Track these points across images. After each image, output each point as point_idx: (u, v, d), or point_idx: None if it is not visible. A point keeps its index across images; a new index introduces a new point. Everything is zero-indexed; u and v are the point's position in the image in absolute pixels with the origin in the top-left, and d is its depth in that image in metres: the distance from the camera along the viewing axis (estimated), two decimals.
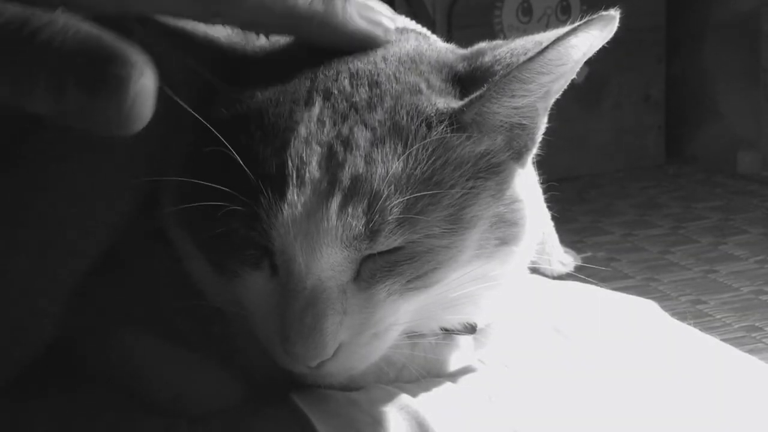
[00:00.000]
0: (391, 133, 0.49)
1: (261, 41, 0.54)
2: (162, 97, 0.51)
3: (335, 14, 0.50)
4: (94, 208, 0.54)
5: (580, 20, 0.50)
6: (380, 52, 0.53)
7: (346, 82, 0.51)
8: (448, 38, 0.60)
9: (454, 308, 0.55)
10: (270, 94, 0.50)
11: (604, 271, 1.98)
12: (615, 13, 0.51)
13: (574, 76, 0.53)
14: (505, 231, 0.53)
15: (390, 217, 0.48)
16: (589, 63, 0.53)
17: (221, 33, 0.53)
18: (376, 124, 0.49)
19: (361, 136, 0.49)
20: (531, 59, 0.50)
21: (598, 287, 0.72)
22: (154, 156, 0.54)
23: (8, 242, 0.53)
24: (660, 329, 0.68)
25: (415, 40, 0.55)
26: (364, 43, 0.53)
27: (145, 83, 0.37)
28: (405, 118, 0.50)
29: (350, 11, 0.50)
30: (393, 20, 0.54)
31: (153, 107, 0.38)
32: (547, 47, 0.50)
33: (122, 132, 0.38)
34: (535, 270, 0.66)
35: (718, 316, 1.99)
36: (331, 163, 0.48)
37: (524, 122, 0.53)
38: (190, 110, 0.49)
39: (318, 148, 0.48)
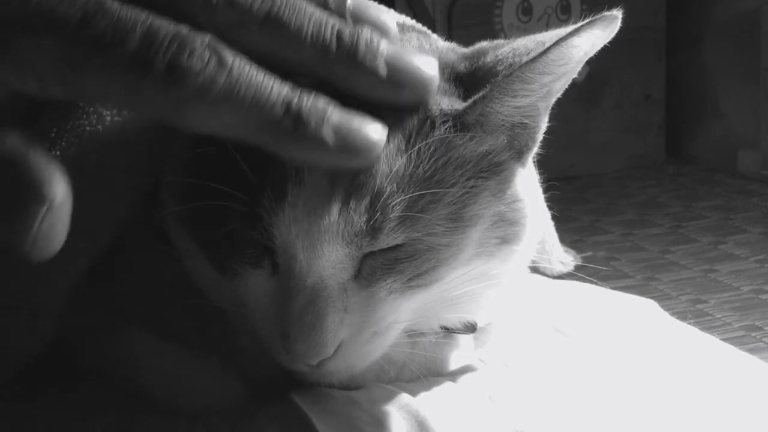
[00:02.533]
0: (395, 130, 0.49)
1: None
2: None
3: (304, 137, 0.42)
4: (94, 208, 0.54)
5: (582, 20, 0.50)
6: None
7: None
8: (448, 37, 0.60)
9: (454, 307, 0.55)
10: None
11: (604, 271, 1.98)
12: (617, 13, 0.51)
13: (575, 75, 0.53)
14: (506, 230, 0.53)
15: (392, 215, 0.48)
16: (589, 62, 0.53)
17: None
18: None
19: None
20: (534, 59, 0.50)
21: (598, 286, 0.72)
22: (154, 155, 0.54)
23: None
24: (660, 328, 0.68)
25: (416, 40, 0.55)
26: (339, 167, 0.45)
27: (50, 221, 0.37)
28: (409, 117, 0.50)
29: (325, 132, 0.42)
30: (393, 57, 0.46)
31: (62, 240, 0.38)
32: (549, 47, 0.50)
33: (29, 259, 0.37)
34: (535, 269, 0.66)
35: (718, 316, 1.99)
36: None
37: (526, 121, 0.53)
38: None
39: None
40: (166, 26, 0.40)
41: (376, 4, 0.50)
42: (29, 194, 0.36)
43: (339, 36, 0.44)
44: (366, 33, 0.44)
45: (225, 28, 0.42)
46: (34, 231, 0.37)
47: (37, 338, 0.55)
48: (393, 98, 0.46)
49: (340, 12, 0.45)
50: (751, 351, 1.45)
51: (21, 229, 0.36)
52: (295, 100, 0.41)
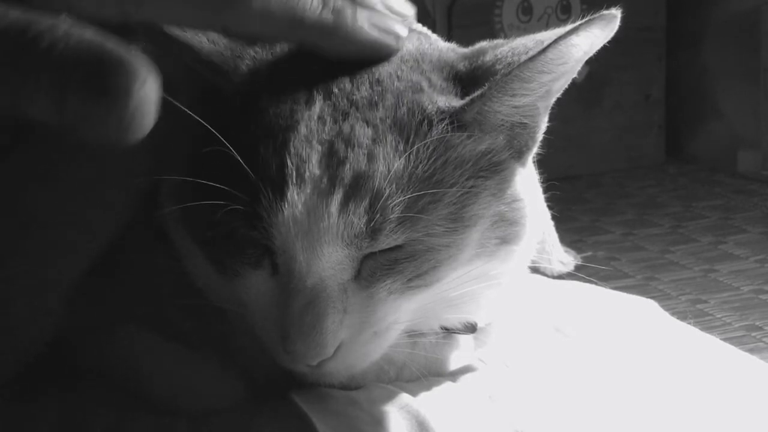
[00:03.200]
0: (393, 130, 0.49)
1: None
2: (162, 96, 0.51)
3: (344, 24, 0.49)
4: (94, 208, 0.54)
5: (581, 19, 0.50)
6: None
7: (347, 80, 0.51)
8: (448, 37, 0.60)
9: (454, 307, 0.55)
10: (270, 93, 0.50)
11: (604, 271, 1.98)
12: (616, 13, 0.51)
13: (575, 75, 0.53)
14: (506, 230, 0.53)
15: (391, 216, 0.48)
16: (589, 62, 0.53)
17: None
18: (378, 121, 0.49)
19: (363, 133, 0.49)
20: (532, 58, 0.50)
21: (598, 286, 0.72)
22: (154, 155, 0.54)
23: (8, 242, 0.53)
24: (660, 328, 0.68)
25: (416, 40, 0.55)
26: (374, 53, 0.51)
27: (146, 93, 0.37)
28: (406, 116, 0.50)
29: (360, 20, 0.49)
30: (409, 21, 0.54)
31: (155, 116, 0.38)
32: (548, 46, 0.50)
33: (121, 142, 0.37)
34: (535, 269, 0.66)
35: (718, 316, 1.99)
36: (332, 161, 0.48)
37: (525, 121, 0.53)
38: (189, 112, 0.49)
39: (318, 147, 0.48)
40: None
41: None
42: (122, 69, 0.36)
43: None
44: None
45: None
46: (133, 102, 0.36)
47: (36, 339, 0.55)
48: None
49: None
50: (751, 351, 1.45)
51: (116, 102, 0.36)
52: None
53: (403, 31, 0.52)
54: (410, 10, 0.54)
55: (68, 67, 0.36)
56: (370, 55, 0.51)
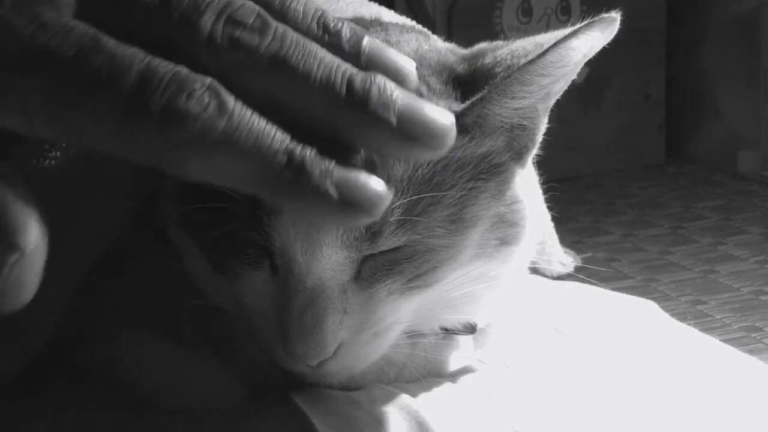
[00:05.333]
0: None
1: None
2: None
3: (306, 189, 0.39)
4: (94, 208, 0.54)
5: (581, 21, 0.50)
6: None
7: None
8: (448, 38, 0.60)
9: (454, 308, 0.55)
10: None
11: (604, 272, 1.98)
12: (616, 15, 0.51)
13: (574, 77, 0.53)
14: (506, 231, 0.53)
15: (391, 219, 0.48)
16: (589, 63, 0.53)
17: None
18: None
19: None
20: (532, 61, 0.50)
21: (598, 287, 0.72)
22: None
23: None
24: (660, 329, 0.68)
25: (415, 41, 0.55)
26: (338, 222, 0.45)
27: (20, 271, 0.35)
28: None
29: (328, 186, 0.39)
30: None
31: (34, 290, 0.36)
32: (548, 49, 0.50)
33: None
34: (535, 270, 0.66)
35: (718, 317, 1.99)
36: None
37: (525, 123, 0.53)
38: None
39: None
40: (164, 66, 0.37)
41: (388, 15, 0.47)
42: (2, 242, 0.35)
43: (350, 82, 0.40)
44: (380, 80, 0.40)
45: (229, 70, 0.39)
46: (3, 279, 0.35)
47: (37, 339, 0.55)
48: (404, 153, 0.42)
49: (355, 54, 0.42)
50: (751, 352, 1.45)
51: None
52: (298, 150, 0.38)
53: (383, 195, 0.39)
54: (449, 121, 0.42)
55: None
56: (332, 224, 0.46)
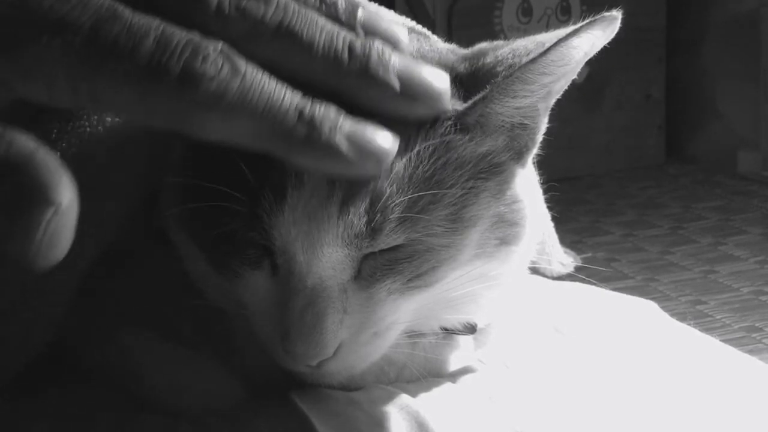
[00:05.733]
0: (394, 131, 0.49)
1: None
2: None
3: (318, 143, 0.41)
4: (94, 209, 0.54)
5: (582, 21, 0.50)
6: None
7: None
8: (448, 39, 0.60)
9: (454, 308, 0.55)
10: None
11: (604, 272, 1.99)
12: (617, 14, 0.51)
13: (575, 76, 0.53)
14: (506, 231, 0.53)
15: (391, 216, 0.48)
16: (589, 63, 0.53)
17: None
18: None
19: None
20: (533, 60, 0.50)
21: (598, 288, 0.72)
22: (154, 156, 0.54)
23: None
24: (660, 329, 0.68)
25: (416, 41, 0.55)
26: (350, 175, 0.45)
27: (56, 225, 0.36)
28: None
29: (338, 139, 0.42)
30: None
31: (68, 245, 0.37)
32: (549, 48, 0.50)
33: (29, 269, 0.36)
34: (535, 270, 0.66)
35: (718, 317, 1.99)
36: None
37: (525, 122, 0.53)
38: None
39: None
40: (179, 33, 0.39)
41: (387, 15, 0.49)
42: (35, 198, 0.35)
43: (351, 48, 0.43)
44: (377, 45, 0.44)
45: (236, 38, 0.41)
46: (39, 236, 0.35)
47: (36, 339, 0.55)
48: (404, 111, 0.46)
49: (351, 23, 0.45)
50: (751, 352, 1.45)
51: (25, 234, 0.35)
52: (308, 107, 0.41)
53: (391, 148, 0.43)
54: (444, 82, 0.47)
55: None
56: (344, 177, 0.46)
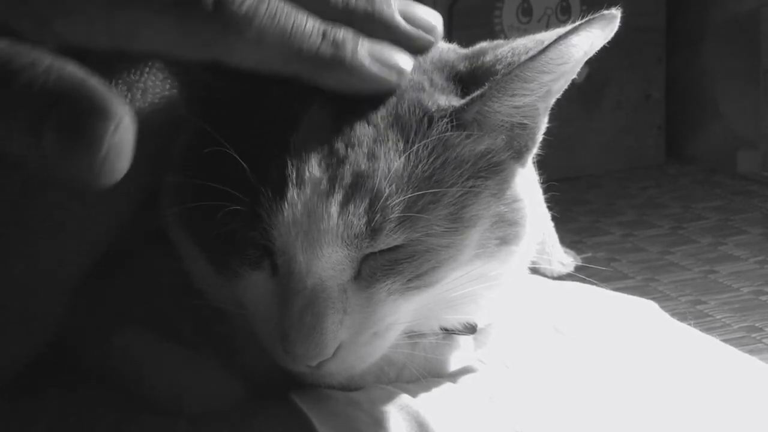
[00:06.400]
0: (394, 129, 0.49)
1: None
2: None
3: (343, 60, 0.46)
4: (94, 208, 0.54)
5: (581, 20, 0.50)
6: None
7: None
8: (448, 38, 0.60)
9: (454, 308, 0.55)
10: (270, 93, 0.50)
11: (604, 272, 1.98)
12: (616, 12, 0.51)
13: (575, 75, 0.53)
14: (506, 230, 0.53)
15: (391, 216, 0.48)
16: (589, 63, 0.53)
17: None
18: (378, 120, 0.49)
19: (363, 133, 0.49)
20: (532, 58, 0.50)
21: (598, 287, 0.72)
22: (154, 156, 0.54)
23: (8, 242, 0.53)
24: (660, 329, 0.68)
25: None
26: (372, 89, 0.48)
27: (119, 139, 0.36)
28: (407, 115, 0.50)
29: (361, 54, 0.46)
30: (436, 33, 0.51)
31: (129, 160, 0.37)
32: (548, 46, 0.50)
33: (93, 186, 0.37)
34: (535, 270, 0.66)
35: (718, 317, 1.99)
36: (332, 161, 0.48)
37: (525, 122, 0.53)
38: (193, 113, 0.49)
39: (318, 147, 0.48)
40: None
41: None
42: (96, 114, 0.36)
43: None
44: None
45: None
46: (104, 150, 0.36)
47: (37, 339, 0.55)
48: (405, 43, 0.49)
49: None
50: (751, 352, 1.45)
51: (88, 149, 0.36)
52: (330, 30, 0.45)
53: (407, 64, 0.49)
54: (437, 20, 0.51)
55: (44, 106, 0.36)
56: (367, 91, 0.49)
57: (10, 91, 0.36)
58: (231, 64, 0.45)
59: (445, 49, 0.55)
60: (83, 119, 0.36)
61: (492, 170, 0.52)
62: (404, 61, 0.49)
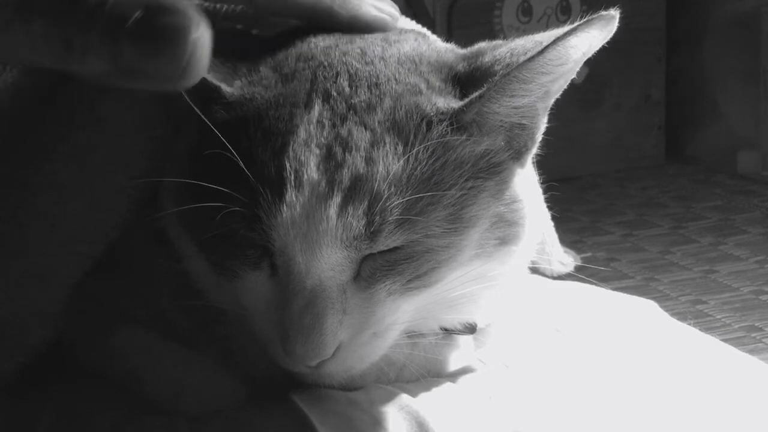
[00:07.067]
0: (391, 133, 0.49)
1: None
2: (163, 98, 0.51)
3: (350, 5, 0.54)
4: (94, 208, 0.55)
5: (580, 20, 0.50)
6: (379, 52, 0.53)
7: (346, 83, 0.51)
8: (448, 38, 0.60)
9: (454, 308, 0.55)
10: (270, 96, 0.50)
11: (604, 271, 1.98)
12: (615, 13, 0.51)
13: (573, 76, 0.53)
14: (505, 231, 0.53)
15: (390, 218, 0.48)
16: (589, 63, 0.53)
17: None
18: (376, 125, 0.49)
19: (361, 137, 0.49)
20: (531, 59, 0.50)
21: (598, 287, 0.72)
22: (155, 156, 0.54)
23: (9, 242, 0.53)
24: (660, 329, 0.68)
25: (414, 41, 0.55)
26: (374, 30, 0.56)
27: (201, 35, 0.37)
28: (405, 119, 0.50)
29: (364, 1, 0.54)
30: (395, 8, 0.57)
31: (205, 68, 0.38)
32: (546, 47, 0.50)
33: (179, 86, 0.38)
34: (535, 270, 0.66)
35: (718, 316, 1.99)
36: (330, 164, 0.48)
37: (524, 122, 0.53)
38: (198, 111, 0.49)
39: (317, 150, 0.49)
40: None
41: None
42: (184, 25, 0.37)
43: None
44: None
45: None
46: (187, 55, 0.37)
47: (37, 339, 0.55)
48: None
49: None
50: (751, 352, 1.45)
51: (173, 43, 0.37)
52: None
53: (396, 13, 0.57)
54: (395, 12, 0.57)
55: (120, 14, 0.37)
56: (369, 31, 0.55)
57: (82, 7, 0.37)
58: (246, 6, 0.53)
59: (443, 50, 0.55)
60: (162, 19, 0.37)
61: (491, 171, 0.52)
62: (394, 10, 0.56)
